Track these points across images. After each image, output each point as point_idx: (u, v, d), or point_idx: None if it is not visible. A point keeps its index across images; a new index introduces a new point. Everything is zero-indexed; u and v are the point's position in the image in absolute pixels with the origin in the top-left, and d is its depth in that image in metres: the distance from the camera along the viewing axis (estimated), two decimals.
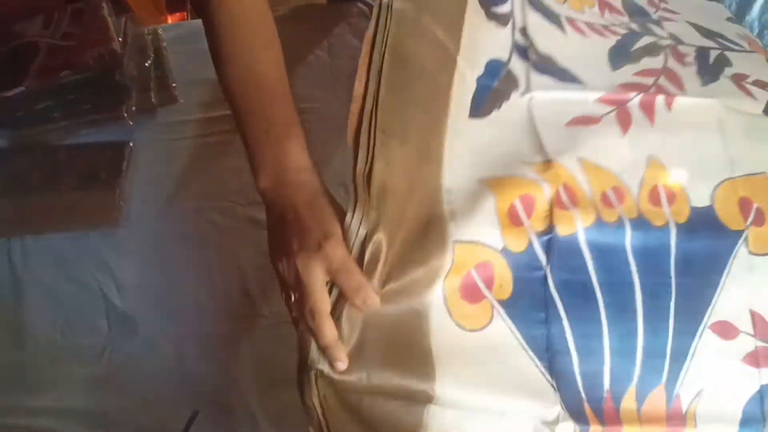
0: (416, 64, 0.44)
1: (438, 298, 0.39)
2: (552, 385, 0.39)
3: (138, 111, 0.89)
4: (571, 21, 0.58)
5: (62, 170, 0.83)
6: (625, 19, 0.60)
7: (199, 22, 1.04)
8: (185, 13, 1.28)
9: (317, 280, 0.35)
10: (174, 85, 0.93)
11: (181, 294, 0.75)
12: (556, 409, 0.39)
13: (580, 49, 0.55)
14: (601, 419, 0.39)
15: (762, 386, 0.41)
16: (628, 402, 0.40)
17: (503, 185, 0.43)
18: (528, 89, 0.50)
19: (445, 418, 0.37)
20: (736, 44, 0.61)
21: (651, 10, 0.62)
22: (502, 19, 0.54)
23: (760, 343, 0.42)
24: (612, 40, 0.57)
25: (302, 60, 0.97)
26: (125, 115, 0.86)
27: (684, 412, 0.40)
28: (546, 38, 0.55)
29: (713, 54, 0.57)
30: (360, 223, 0.37)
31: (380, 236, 0.37)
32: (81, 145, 0.85)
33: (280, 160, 0.39)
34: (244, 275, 0.76)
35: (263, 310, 0.74)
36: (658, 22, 0.61)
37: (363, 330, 0.38)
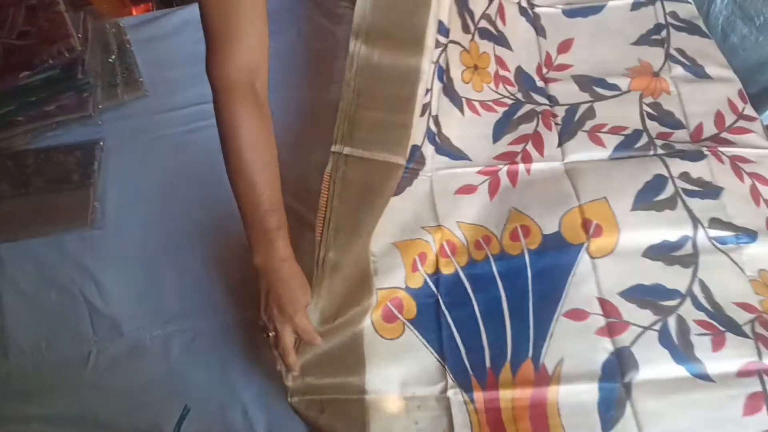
0: (361, 185, 0.63)
1: (368, 325, 0.60)
2: (444, 367, 0.58)
3: (106, 108, 0.86)
4: (470, 103, 0.74)
5: (32, 175, 0.81)
6: (515, 89, 0.77)
7: (163, 12, 1.01)
8: (150, 5, 1.24)
9: (288, 334, 0.56)
10: (141, 79, 0.90)
11: (164, 292, 0.74)
12: (444, 381, 0.57)
13: (472, 127, 0.73)
14: (483, 386, 0.57)
15: (616, 349, 0.56)
16: (505, 373, 0.57)
17: (408, 248, 0.64)
18: (431, 168, 0.68)
19: (375, 402, 0.57)
20: (614, 87, 0.77)
21: (537, 77, 0.79)
22: (424, 109, 0.68)
23: (610, 320, 0.58)
24: (499, 113, 0.74)
25: (273, 45, 0.95)
26: (92, 113, 0.83)
27: (550, 375, 0.56)
28: (448, 120, 0.71)
29: (582, 108, 0.74)
30: (316, 295, 0.59)
31: (325, 302, 0.59)
32: (49, 148, 0.83)
33: (269, 253, 0.54)
34: (227, 268, 0.75)
35: (247, 301, 0.73)
36: (541, 89, 0.77)
37: (319, 348, 0.58)
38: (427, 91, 0.67)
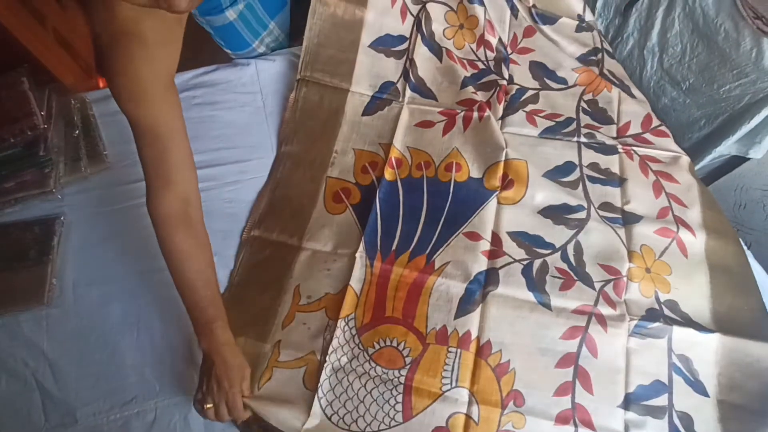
0: (317, 102, 0.91)
1: (320, 201, 0.84)
2: (362, 238, 0.78)
3: (68, 182, 0.86)
4: (449, 53, 0.94)
5: None
6: (493, 54, 0.96)
7: None
8: None
9: (239, 400, 0.65)
10: (105, 152, 0.90)
11: (124, 372, 0.71)
12: (357, 247, 0.77)
13: (446, 74, 0.93)
14: (384, 260, 0.77)
15: (489, 268, 0.77)
16: (403, 258, 0.77)
17: (362, 155, 0.88)
18: (403, 100, 0.92)
19: (304, 253, 0.80)
20: (562, 81, 0.96)
21: (508, 50, 0.97)
22: (399, 55, 0.93)
23: (493, 248, 0.78)
24: (469, 72, 0.94)
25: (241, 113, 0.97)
26: (53, 189, 0.82)
27: (435, 268, 0.76)
28: (425, 65, 0.93)
29: (530, 93, 0.94)
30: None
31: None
32: (7, 224, 0.81)
33: (211, 338, 0.65)
34: (189, 338, 0.73)
35: None
36: (506, 61, 0.95)
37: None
38: (406, 40, 0.93)
